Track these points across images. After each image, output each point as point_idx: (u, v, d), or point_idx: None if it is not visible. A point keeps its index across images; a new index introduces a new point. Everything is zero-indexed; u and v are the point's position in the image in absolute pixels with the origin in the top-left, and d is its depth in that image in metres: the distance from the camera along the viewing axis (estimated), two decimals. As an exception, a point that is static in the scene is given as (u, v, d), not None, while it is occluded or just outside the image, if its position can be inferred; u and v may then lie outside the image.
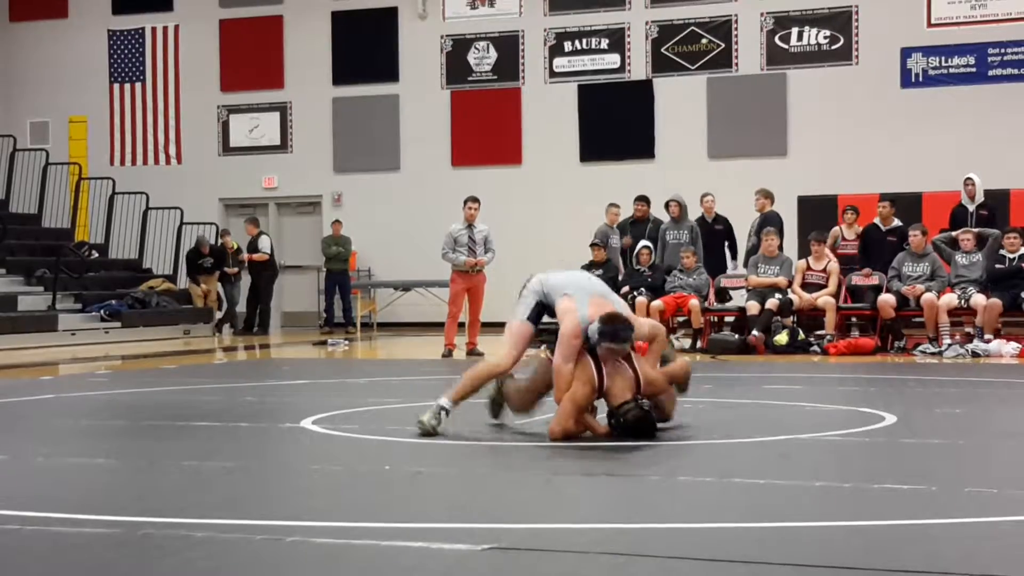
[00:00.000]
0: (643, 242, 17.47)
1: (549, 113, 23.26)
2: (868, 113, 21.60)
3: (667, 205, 17.95)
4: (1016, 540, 4.62)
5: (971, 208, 16.76)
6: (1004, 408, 9.58)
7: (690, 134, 22.47)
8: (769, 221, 17.35)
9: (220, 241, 23.41)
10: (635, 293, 16.64)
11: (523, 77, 23.62)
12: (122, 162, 25.94)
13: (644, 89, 22.88)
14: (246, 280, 23.23)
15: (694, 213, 18.17)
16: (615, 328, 7.18)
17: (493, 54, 23.78)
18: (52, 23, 26.35)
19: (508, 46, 23.68)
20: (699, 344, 16.46)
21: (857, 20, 21.84)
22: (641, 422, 7.14)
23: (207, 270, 22.98)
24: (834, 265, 16.55)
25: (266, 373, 14.34)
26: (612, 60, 23.12)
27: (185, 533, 4.78)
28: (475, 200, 16.31)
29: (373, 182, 24.27)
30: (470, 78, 23.91)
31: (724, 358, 15.16)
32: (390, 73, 24.31)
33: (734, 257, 18.26)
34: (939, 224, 17.78)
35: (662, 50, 22.83)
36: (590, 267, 17.61)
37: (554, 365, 7.38)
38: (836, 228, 17.68)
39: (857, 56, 21.86)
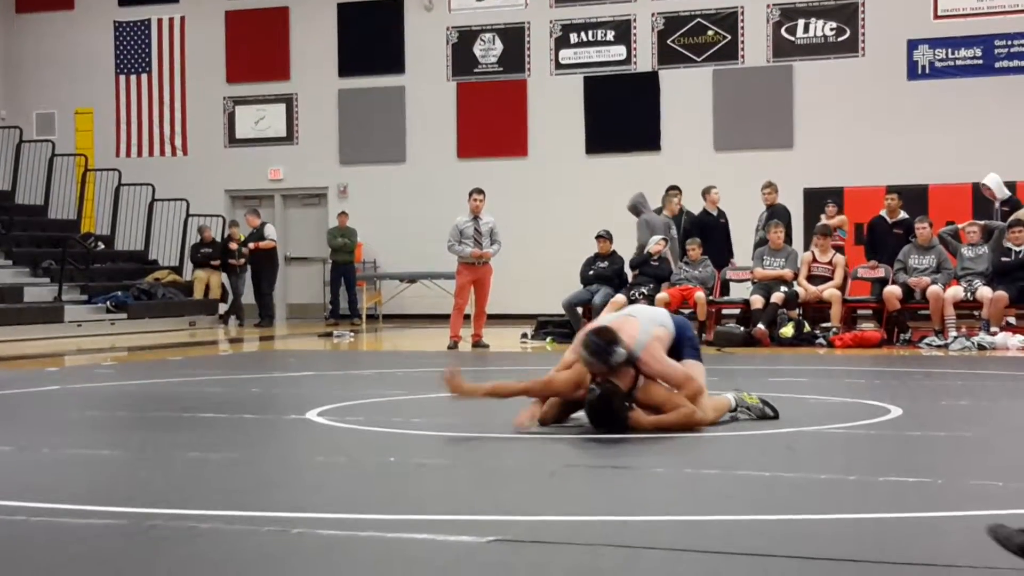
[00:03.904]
0: (657, 236, 17.48)
1: (555, 105, 23.25)
2: (874, 105, 21.57)
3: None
4: (1021, 533, 4.62)
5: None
6: (1010, 400, 9.57)
7: (696, 126, 22.45)
8: (776, 214, 17.36)
9: (228, 232, 23.41)
10: (638, 292, 16.62)
11: (529, 69, 23.60)
12: (128, 154, 25.96)
13: (650, 81, 22.85)
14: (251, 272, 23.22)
15: (694, 205, 18.27)
16: (590, 338, 7.23)
17: (499, 46, 23.77)
18: (58, 14, 26.38)
19: (514, 38, 23.66)
20: (704, 336, 16.46)
21: (863, 12, 21.81)
22: (593, 403, 7.16)
23: (207, 259, 22.98)
24: (840, 257, 16.55)
25: (271, 365, 14.35)
26: (618, 52, 23.10)
27: (191, 524, 4.79)
28: (480, 192, 16.30)
29: (379, 174, 24.28)
30: (476, 70, 23.90)
31: (729, 350, 15.16)
32: (396, 65, 24.31)
33: (731, 255, 18.21)
34: (945, 216, 17.79)
35: (668, 42, 22.80)
36: (595, 259, 17.63)
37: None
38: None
39: (863, 48, 21.83)
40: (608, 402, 7.13)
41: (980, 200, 18.59)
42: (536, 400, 7.52)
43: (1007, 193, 17.01)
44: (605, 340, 7.16)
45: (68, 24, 26.32)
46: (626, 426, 7.17)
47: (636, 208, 17.67)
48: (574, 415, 7.67)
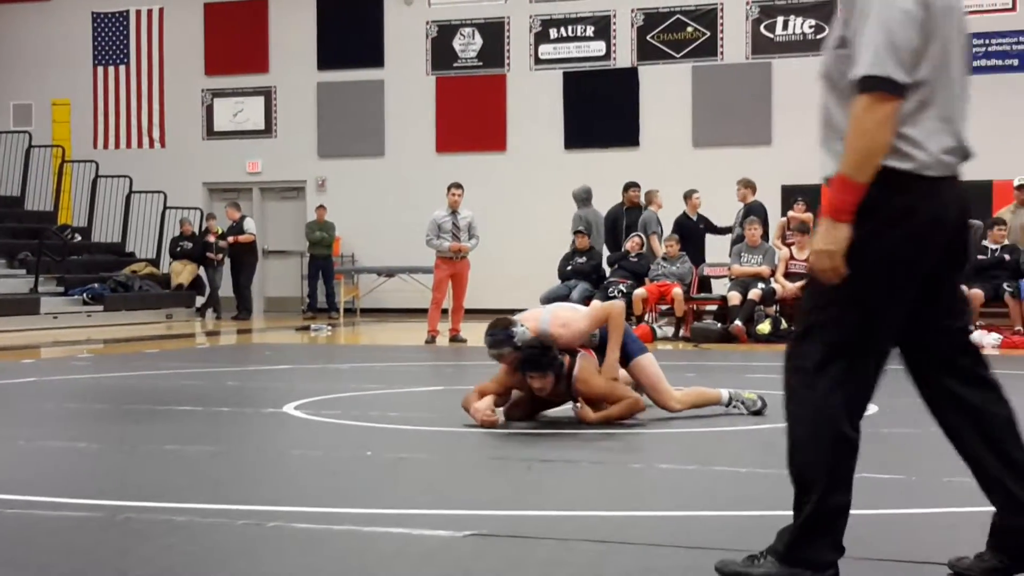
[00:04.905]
0: (638, 232, 17.62)
1: (534, 100, 23.24)
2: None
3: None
4: (995, 530, 4.64)
5: None
6: (984, 398, 9.60)
7: (675, 122, 22.47)
8: (753, 211, 17.42)
9: (205, 226, 23.37)
10: (615, 289, 16.65)
11: (508, 64, 23.59)
12: (105, 145, 25.86)
13: (629, 77, 22.87)
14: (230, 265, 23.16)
15: (675, 205, 18.39)
16: (488, 336, 7.47)
17: (478, 40, 23.75)
18: (36, 5, 26.24)
19: (494, 32, 23.64)
20: (682, 332, 16.50)
21: (842, 10, 21.85)
22: (525, 350, 7.26)
23: (185, 253, 22.99)
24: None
25: (248, 358, 14.33)
26: (597, 47, 23.11)
27: (166, 517, 4.78)
28: (459, 186, 16.29)
29: (357, 167, 24.24)
30: (455, 64, 23.88)
31: (707, 347, 15.20)
32: (375, 58, 24.26)
33: (729, 235, 18.27)
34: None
35: (647, 38, 22.82)
36: (573, 255, 17.66)
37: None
38: (783, 219, 17.88)
39: (842, 46, 21.87)
40: (534, 343, 7.27)
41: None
42: (487, 396, 7.52)
43: None
44: (500, 327, 7.45)
45: (45, 15, 26.19)
46: (558, 358, 7.28)
47: (576, 200, 18.11)
48: (543, 412, 7.72)
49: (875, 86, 3.41)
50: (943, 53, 3.55)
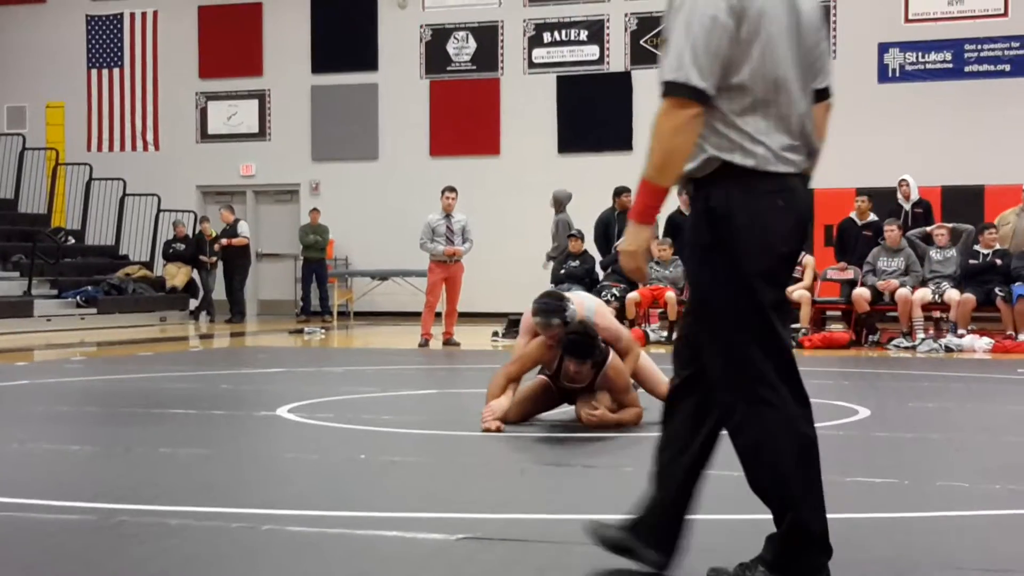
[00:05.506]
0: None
1: (528, 104, 23.25)
2: (845, 108, 21.42)
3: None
4: (986, 533, 4.67)
5: (907, 207, 17.17)
6: (976, 402, 9.64)
7: (668, 126, 22.45)
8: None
9: (199, 228, 23.37)
10: (609, 293, 16.69)
11: (502, 68, 23.61)
12: (99, 148, 25.84)
13: (623, 81, 22.88)
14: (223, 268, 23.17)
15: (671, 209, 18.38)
16: (539, 302, 7.50)
17: (472, 44, 23.77)
18: (30, 8, 26.23)
19: (487, 36, 23.66)
20: (675, 336, 16.50)
21: (835, 15, 21.90)
22: (572, 335, 7.24)
23: (178, 255, 23.01)
24: (809, 259, 16.62)
25: (242, 361, 14.33)
26: (591, 52, 23.14)
27: (160, 520, 4.79)
28: (453, 190, 16.31)
29: (351, 171, 24.25)
30: (449, 68, 23.89)
31: (700, 350, 15.19)
32: (369, 62, 24.27)
33: None
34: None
35: (641, 42, 22.84)
36: (567, 258, 17.67)
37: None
38: None
39: (834, 50, 21.89)
40: (582, 329, 7.26)
41: (949, 202, 18.74)
42: (506, 394, 7.51)
43: (917, 195, 17.43)
44: (554, 298, 7.52)
45: (40, 17, 26.18)
46: (601, 349, 7.30)
47: (557, 205, 18.15)
48: (538, 416, 7.73)
49: (675, 91, 3.44)
50: (768, 56, 3.52)
